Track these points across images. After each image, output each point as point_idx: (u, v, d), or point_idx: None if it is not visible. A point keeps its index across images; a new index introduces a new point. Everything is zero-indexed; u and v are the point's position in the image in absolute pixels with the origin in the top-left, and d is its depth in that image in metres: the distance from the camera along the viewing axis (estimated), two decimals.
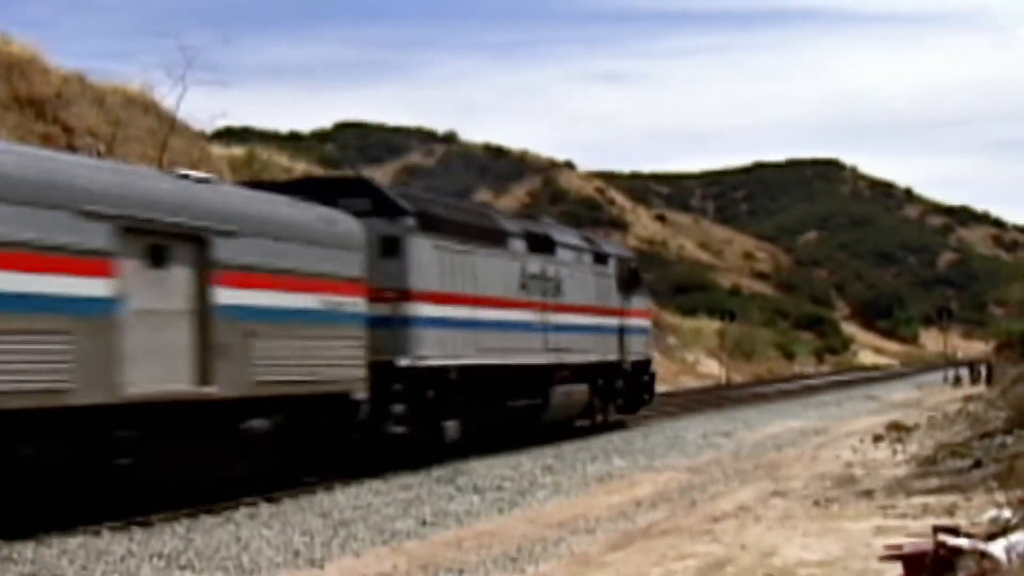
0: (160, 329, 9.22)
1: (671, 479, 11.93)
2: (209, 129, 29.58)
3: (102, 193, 8.76)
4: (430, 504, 10.10)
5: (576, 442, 16.27)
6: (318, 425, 11.20)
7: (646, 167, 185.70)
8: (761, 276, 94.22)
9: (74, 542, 8.04)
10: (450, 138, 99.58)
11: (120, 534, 8.44)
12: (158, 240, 9.25)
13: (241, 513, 9.52)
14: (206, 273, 9.62)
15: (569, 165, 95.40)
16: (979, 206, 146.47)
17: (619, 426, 19.24)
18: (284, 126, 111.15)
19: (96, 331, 8.49)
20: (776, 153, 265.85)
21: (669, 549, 7.58)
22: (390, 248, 12.59)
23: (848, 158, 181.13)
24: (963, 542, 5.73)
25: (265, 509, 9.78)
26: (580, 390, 17.31)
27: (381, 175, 79.39)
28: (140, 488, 9.20)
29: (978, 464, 10.67)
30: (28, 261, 7.99)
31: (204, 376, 9.57)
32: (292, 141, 73.65)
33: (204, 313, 9.61)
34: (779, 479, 11.60)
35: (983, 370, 32.98)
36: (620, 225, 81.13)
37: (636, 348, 20.04)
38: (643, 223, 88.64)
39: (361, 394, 11.69)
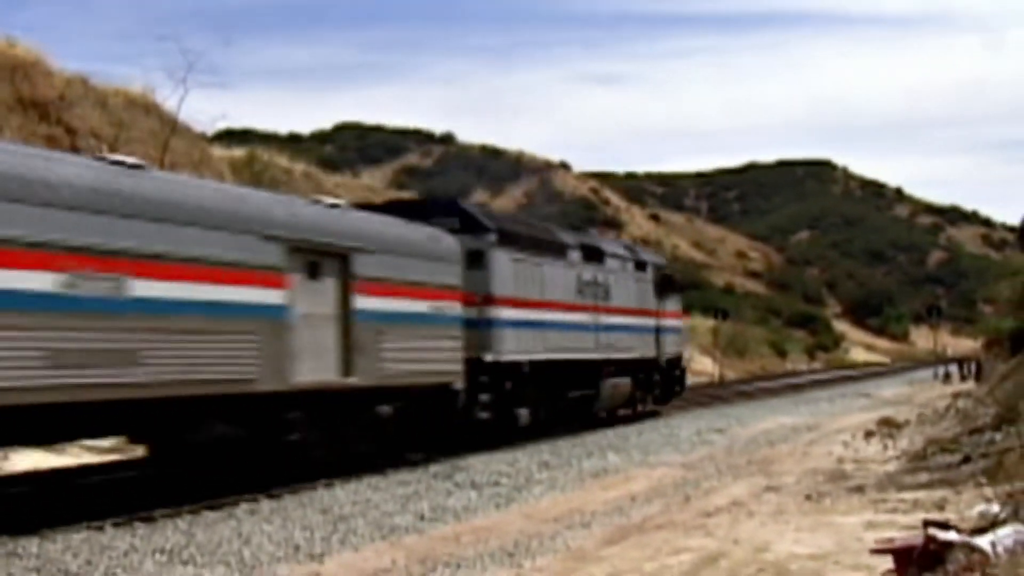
0: (316, 330, 11.19)
1: (665, 475, 11.99)
2: (210, 131, 29.85)
3: (277, 221, 10.77)
4: (428, 500, 10.17)
5: (571, 438, 16.38)
6: (426, 411, 13.25)
7: (640, 167, 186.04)
8: (754, 275, 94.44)
9: (78, 537, 8.11)
10: (447, 139, 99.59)
11: (123, 529, 8.52)
12: (314, 257, 11.26)
13: (242, 509, 9.59)
14: (348, 284, 11.68)
15: (565, 166, 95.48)
16: (968, 206, 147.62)
17: (654, 415, 21.60)
18: (284, 127, 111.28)
19: (274, 332, 10.45)
20: (768, 153, 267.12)
21: (664, 543, 7.65)
22: (475, 260, 14.72)
23: (839, 158, 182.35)
24: (953, 536, 5.78)
25: (266, 505, 9.86)
26: (624, 383, 19.67)
27: (380, 176, 79.42)
28: (304, 459, 11.10)
29: (967, 459, 10.75)
30: (228, 276, 9.96)
31: (347, 368, 11.63)
32: (292, 142, 73.73)
33: (346, 317, 11.64)
34: (772, 474, 11.66)
35: (972, 367, 33.22)
36: (615, 225, 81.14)
37: (670, 346, 22.48)
38: (637, 223, 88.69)
39: (459, 385, 13.78)
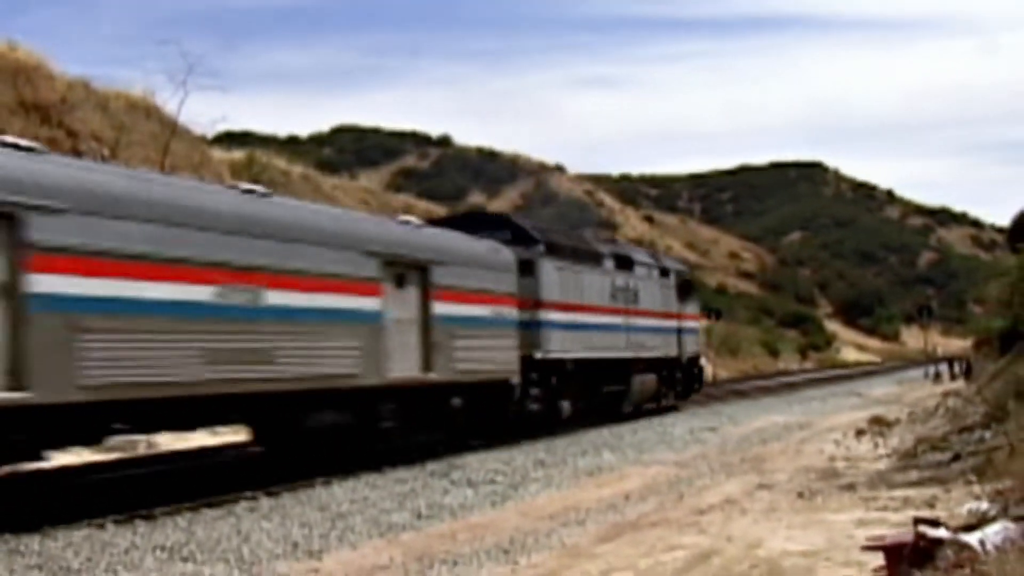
0: (403, 332, 12.96)
1: (659, 473, 12.05)
2: (210, 133, 30.10)
3: (374, 239, 12.62)
4: (425, 497, 10.22)
5: (566, 437, 16.47)
6: (488, 402, 14.94)
7: (635, 170, 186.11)
8: (746, 275, 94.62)
9: (79, 535, 8.16)
10: (444, 141, 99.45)
11: (124, 527, 8.57)
12: (401, 269, 13.01)
13: (241, 506, 9.65)
14: (427, 292, 13.43)
15: (560, 168, 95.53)
16: (958, 207, 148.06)
17: (672, 409, 23.14)
18: (283, 130, 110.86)
19: (372, 334, 12.17)
20: (761, 156, 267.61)
21: (657, 540, 7.69)
22: (526, 268, 16.45)
23: (831, 160, 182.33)
24: (942, 533, 5.80)
25: (265, 502, 9.93)
26: (651, 379, 21.63)
27: (377, 178, 79.31)
28: (394, 444, 12.77)
29: (957, 458, 10.80)
30: (338, 286, 11.63)
31: (427, 365, 13.37)
32: (290, 145, 73.62)
33: (426, 320, 13.40)
34: (764, 472, 11.72)
35: (962, 366, 33.38)
36: (610, 226, 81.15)
37: (690, 345, 24.52)
38: (632, 224, 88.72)
39: (515, 380, 15.58)
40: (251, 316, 10.28)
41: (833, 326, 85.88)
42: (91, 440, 9.85)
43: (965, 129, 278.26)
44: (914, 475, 10.47)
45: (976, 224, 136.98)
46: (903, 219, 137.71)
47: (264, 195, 11.51)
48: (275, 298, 10.57)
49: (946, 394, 22.52)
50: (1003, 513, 6.84)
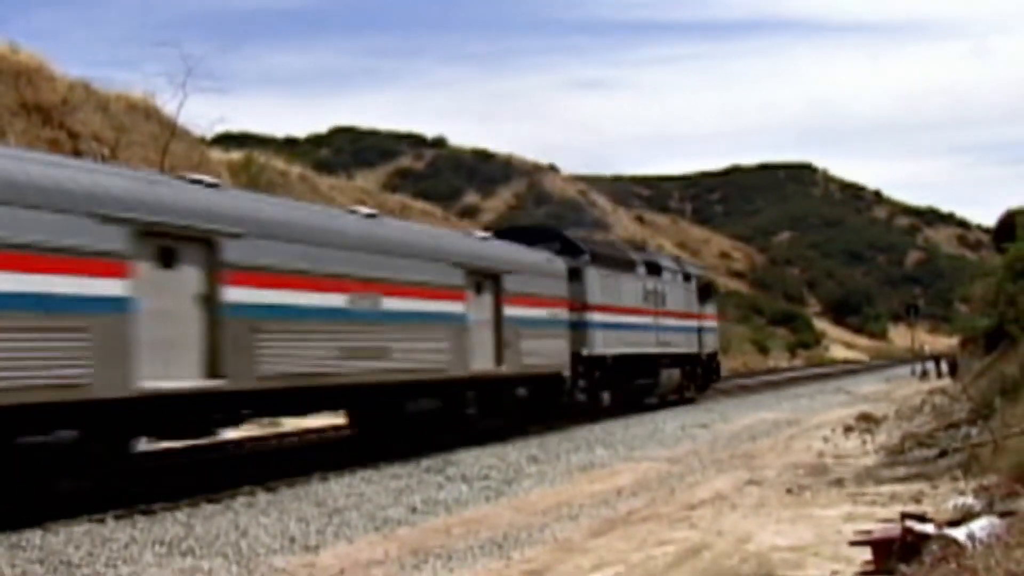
0: (481, 332, 15.02)
1: (651, 469, 12.12)
2: (209, 134, 30.07)
3: (459, 251, 14.78)
4: (420, 493, 10.28)
5: (559, 433, 16.58)
6: (545, 393, 17.12)
7: (627, 170, 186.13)
8: (737, 275, 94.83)
9: (79, 530, 8.21)
10: (439, 143, 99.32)
11: (124, 522, 8.63)
12: (479, 278, 15.12)
13: (240, 502, 9.71)
14: (499, 297, 15.60)
15: (553, 168, 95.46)
16: (945, 207, 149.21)
17: (691, 401, 25.05)
18: (281, 131, 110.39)
19: (458, 333, 14.23)
20: (751, 157, 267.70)
21: (649, 535, 7.76)
22: (574, 275, 18.58)
23: (820, 162, 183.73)
24: (929, 528, 5.91)
25: (263, 498, 9.99)
26: (676, 373, 23.90)
27: (373, 178, 79.19)
28: (477, 429, 14.87)
29: (943, 454, 10.89)
30: (433, 293, 13.68)
31: (499, 360, 15.47)
32: (288, 146, 73.47)
33: (498, 321, 15.51)
34: (754, 468, 11.79)
35: (948, 364, 33.62)
36: (602, 226, 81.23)
37: (708, 343, 26.86)
38: (624, 224, 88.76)
39: (567, 373, 17.75)
40: (372, 319, 12.33)
41: (822, 324, 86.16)
42: (240, 422, 11.45)
43: (953, 131, 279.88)
44: (901, 471, 10.57)
45: (963, 224, 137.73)
46: (891, 219, 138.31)
47: (370, 215, 13.57)
48: (389, 304, 12.66)
49: (932, 391, 22.69)
50: (988, 508, 6.98)
